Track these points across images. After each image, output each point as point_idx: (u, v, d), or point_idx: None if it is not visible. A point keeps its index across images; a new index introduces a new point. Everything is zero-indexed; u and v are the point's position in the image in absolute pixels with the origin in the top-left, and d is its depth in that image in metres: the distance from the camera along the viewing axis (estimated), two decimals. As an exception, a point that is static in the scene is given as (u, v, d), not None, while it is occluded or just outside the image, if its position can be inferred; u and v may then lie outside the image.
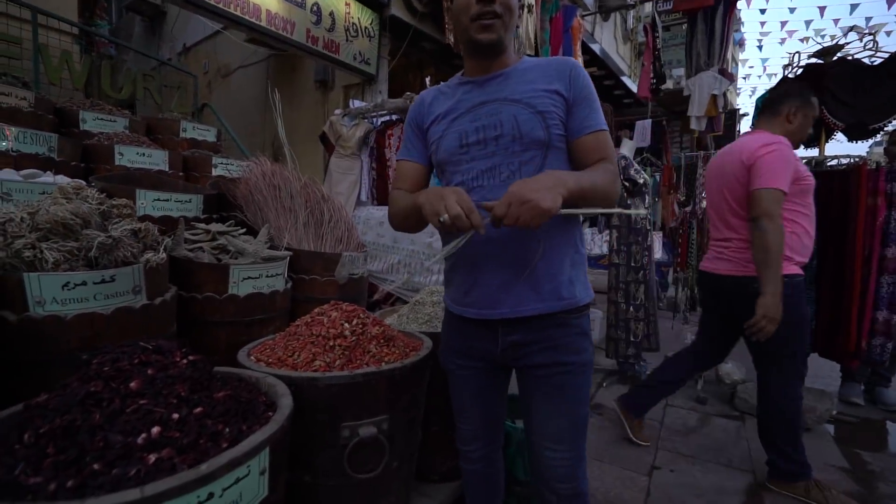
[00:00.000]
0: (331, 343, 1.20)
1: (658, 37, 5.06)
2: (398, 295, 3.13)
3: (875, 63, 2.45)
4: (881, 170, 2.33)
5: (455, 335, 1.11)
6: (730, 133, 5.91)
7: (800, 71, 2.64)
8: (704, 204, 3.08)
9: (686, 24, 4.96)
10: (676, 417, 2.65)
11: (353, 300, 1.72)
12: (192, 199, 1.67)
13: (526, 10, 4.32)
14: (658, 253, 4.68)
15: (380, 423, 1.16)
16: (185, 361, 0.84)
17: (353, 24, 4.41)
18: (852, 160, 2.50)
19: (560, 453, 1.01)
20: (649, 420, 2.55)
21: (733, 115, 6.33)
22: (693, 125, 4.81)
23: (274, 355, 1.22)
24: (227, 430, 0.79)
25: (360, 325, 1.27)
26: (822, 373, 3.29)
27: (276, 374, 1.08)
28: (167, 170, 2.04)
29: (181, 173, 2.17)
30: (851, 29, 2.41)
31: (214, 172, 2.26)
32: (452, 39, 4.53)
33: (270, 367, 1.16)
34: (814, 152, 2.78)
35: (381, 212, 3.45)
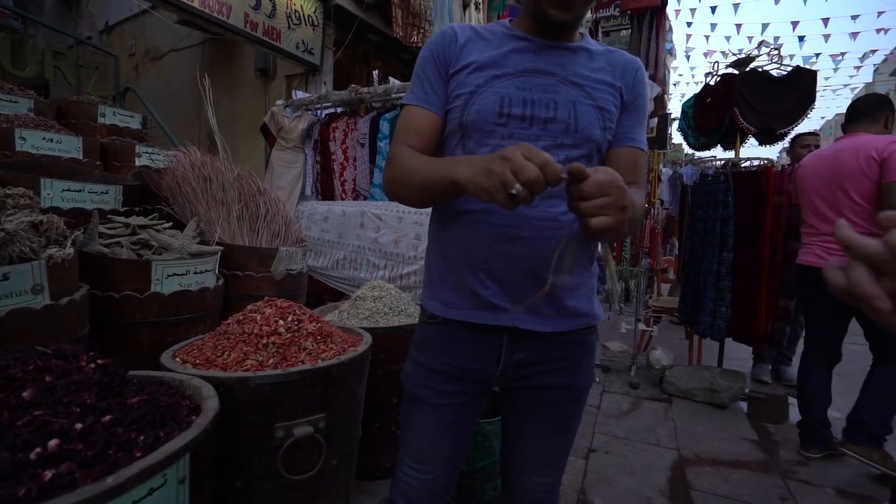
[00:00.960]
0: (264, 341, 1.16)
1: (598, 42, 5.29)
2: (344, 291, 3.07)
3: (780, 75, 2.72)
4: (784, 171, 2.59)
5: (436, 351, 0.88)
6: (662, 136, 6.30)
7: (718, 79, 2.88)
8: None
9: (629, 30, 5.21)
10: (612, 402, 2.80)
11: (291, 296, 1.66)
12: (109, 191, 1.54)
13: (473, 5, 4.36)
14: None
15: (316, 421, 1.13)
16: (91, 366, 0.77)
17: (296, 11, 4.25)
18: (763, 162, 2.76)
19: (546, 479, 0.93)
20: (588, 406, 2.68)
21: (665, 119, 6.74)
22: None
23: (202, 356, 1.16)
24: (142, 437, 0.74)
25: (296, 322, 1.23)
26: (737, 356, 3.61)
27: (203, 376, 1.02)
28: (81, 158, 1.86)
29: (98, 162, 1.99)
30: (761, 43, 2.65)
31: (138, 162, 2.10)
32: (400, 33, 4.48)
33: (197, 369, 1.09)
34: (730, 154, 3.03)
35: (326, 206, 3.37)
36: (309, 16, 4.39)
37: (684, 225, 3.21)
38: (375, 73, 4.93)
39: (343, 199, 3.60)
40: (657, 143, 5.79)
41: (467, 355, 0.86)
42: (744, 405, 2.83)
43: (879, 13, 8.32)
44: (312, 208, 3.39)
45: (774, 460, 2.21)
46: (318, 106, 3.96)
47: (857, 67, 12.40)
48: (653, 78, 5.24)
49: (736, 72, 2.78)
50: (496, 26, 0.88)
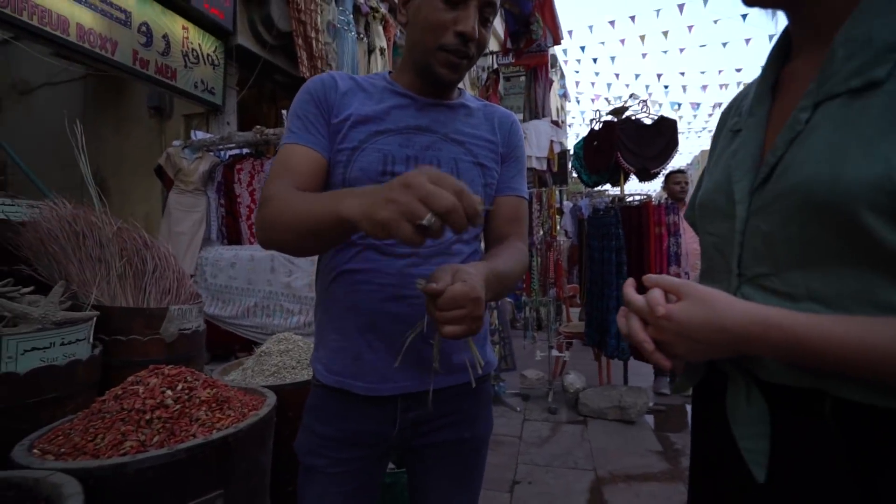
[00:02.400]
0: (147, 417, 1.03)
1: (499, 85, 5.73)
2: (256, 340, 2.88)
3: (650, 122, 3.15)
4: (661, 205, 2.97)
5: (327, 416, 0.84)
6: (562, 171, 6.88)
7: (601, 125, 3.26)
8: (540, 234, 3.51)
9: (524, 77, 5.72)
10: (533, 430, 2.88)
11: (186, 359, 1.52)
12: (-51, 254, 1.31)
13: (378, 52, 4.50)
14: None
15: (212, 500, 1.02)
16: None
17: (193, 50, 4.07)
18: (643, 197, 3.13)
19: None
20: (509, 437, 2.73)
21: (565, 156, 7.39)
22: (534, 164, 5.52)
23: (69, 443, 1.00)
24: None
25: (187, 391, 1.12)
26: (641, 371, 3.93)
27: (66, 469, 0.88)
28: (-89, 214, 1.57)
29: (-63, 218, 1.69)
30: (631, 95, 3.08)
31: (-8, 216, 1.81)
32: (307, 74, 4.47)
33: (61, 461, 0.94)
34: (617, 190, 3.40)
35: (232, 252, 3.17)
36: (208, 55, 4.23)
37: (583, 254, 3.50)
38: (284, 112, 4.84)
39: (252, 244, 3.42)
40: (559, 178, 6.32)
41: (361, 420, 0.82)
42: (649, 418, 3.07)
43: (720, 71, 10.10)
44: (218, 254, 3.18)
45: (677, 468, 2.40)
46: (221, 147, 3.78)
47: (710, 114, 14.93)
48: (554, 123, 5.79)
49: (615, 119, 3.17)
50: (376, 79, 0.86)
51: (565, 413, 3.14)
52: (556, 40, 5.17)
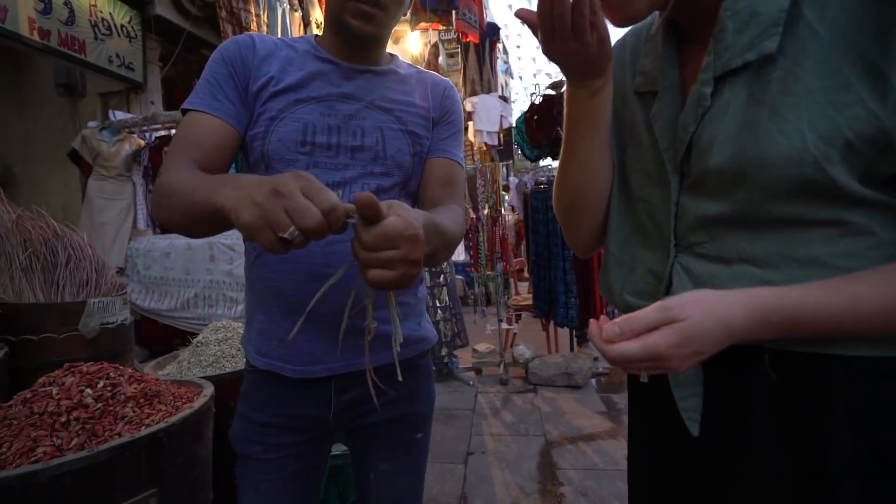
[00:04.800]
0: (63, 419, 0.95)
1: (439, 59, 5.65)
2: (198, 332, 2.74)
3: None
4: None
5: (261, 402, 0.80)
6: (508, 147, 6.96)
7: (541, 98, 3.30)
8: (486, 211, 3.54)
9: (461, 49, 5.67)
10: (485, 402, 2.97)
11: (112, 356, 1.41)
12: None
13: (314, 24, 4.28)
14: (461, 255, 5.20)
15: (145, 500, 0.96)
16: None
17: (104, 20, 3.68)
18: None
19: None
20: (463, 410, 2.79)
21: (510, 132, 7.47)
22: (484, 139, 5.53)
23: (-30, 454, 0.90)
24: None
25: (110, 388, 1.04)
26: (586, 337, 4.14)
27: (-33, 482, 0.80)
28: None
29: None
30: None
31: None
32: None
33: (-39, 474, 0.85)
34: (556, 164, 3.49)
35: (166, 241, 2.98)
36: (122, 26, 3.84)
37: (528, 228, 3.58)
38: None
39: (186, 231, 3.21)
40: (505, 154, 6.38)
41: (294, 403, 0.79)
42: (594, 381, 3.24)
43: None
44: (150, 244, 2.97)
45: (620, 426, 2.56)
46: (146, 128, 3.49)
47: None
48: (502, 98, 5.80)
49: (554, 93, 3.22)
50: (300, 42, 0.81)
51: (516, 383, 3.26)
52: (480, 25, 5.12)
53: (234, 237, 2.67)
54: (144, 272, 2.96)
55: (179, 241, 2.88)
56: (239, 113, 0.74)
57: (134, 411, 1.03)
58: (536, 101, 3.34)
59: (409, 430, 0.87)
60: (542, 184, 3.21)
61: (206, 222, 0.61)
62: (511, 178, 4.77)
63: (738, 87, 0.48)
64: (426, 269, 0.95)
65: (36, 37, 3.18)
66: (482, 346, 3.60)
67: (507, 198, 4.38)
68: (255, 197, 0.46)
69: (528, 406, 2.87)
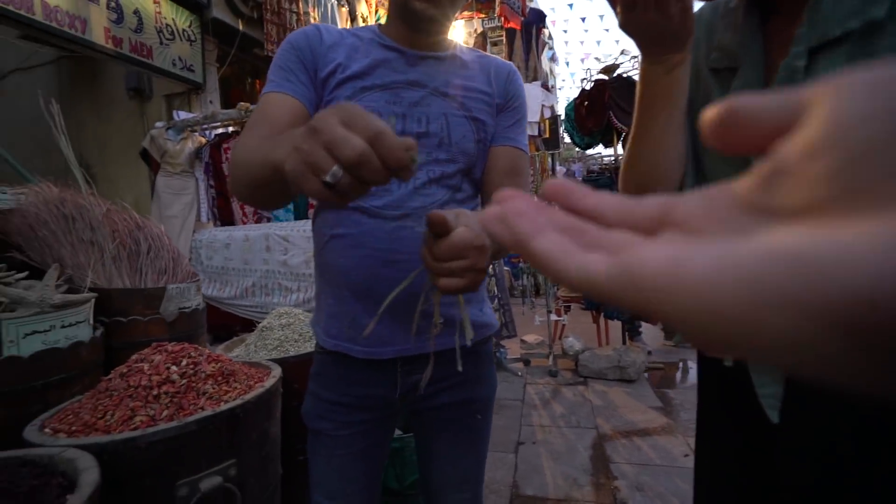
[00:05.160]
0: (154, 392, 1.04)
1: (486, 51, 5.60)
2: (255, 320, 2.89)
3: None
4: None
5: (331, 382, 0.84)
6: (554, 136, 6.80)
7: (592, 84, 3.19)
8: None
9: (505, 38, 5.57)
10: (535, 393, 2.95)
11: (187, 337, 1.52)
12: (-64, 242, 1.28)
13: (360, 19, 4.35)
14: (507, 247, 5.15)
15: (225, 470, 1.04)
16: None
17: (167, 25, 3.92)
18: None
19: (465, 493, 0.91)
20: (512, 400, 2.79)
21: (556, 121, 7.29)
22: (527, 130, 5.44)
23: (79, 421, 1.01)
24: (-3, 534, 0.63)
25: (192, 366, 1.13)
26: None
27: (79, 445, 0.89)
28: None
29: (-79, 209, 1.65)
30: (622, 52, 3.00)
31: (-23, 204, 1.77)
32: (274, 50, 4.31)
33: (73, 437, 0.95)
34: (610, 151, 3.37)
35: (226, 233, 3.15)
36: (184, 30, 4.07)
37: (579, 219, 3.48)
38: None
39: (244, 223, 3.38)
40: (551, 143, 6.25)
41: (364, 383, 0.82)
42: (648, 377, 3.14)
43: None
44: (212, 236, 3.15)
45: (677, 422, 2.47)
46: (206, 126, 3.69)
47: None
48: (544, 87, 5.67)
49: (606, 77, 3.10)
50: (364, 31, 0.81)
51: (565, 375, 3.21)
52: (523, 11, 4.98)
53: (288, 229, 2.78)
54: (207, 262, 3.14)
55: (238, 232, 3.03)
56: (310, 94, 0.76)
57: (213, 388, 1.11)
58: (587, 87, 3.24)
59: (473, 413, 0.89)
60: (593, 172, 3.12)
61: (270, 187, 0.59)
62: (559, 168, 4.67)
63: (837, 60, 0.44)
64: None
65: (110, 45, 3.44)
66: (530, 338, 3.58)
67: (554, 188, 4.30)
68: (295, 141, 0.41)
69: (578, 398, 2.83)
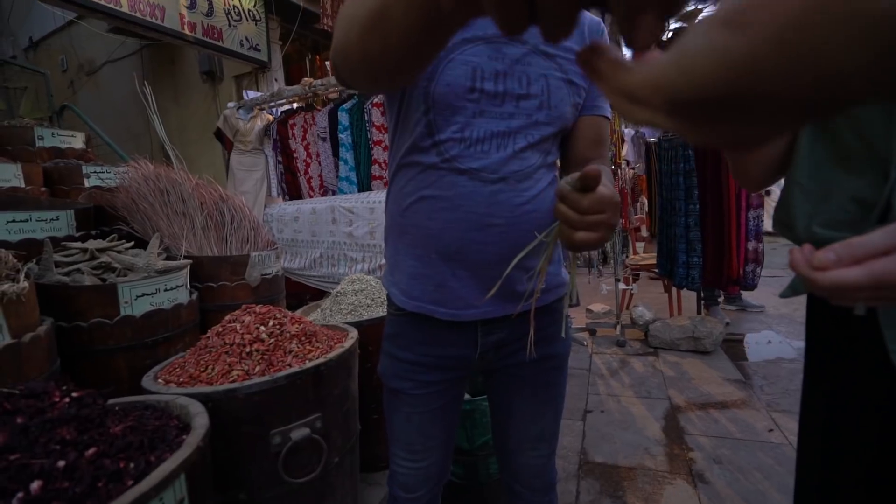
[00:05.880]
0: (247, 350, 1.13)
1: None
2: (324, 289, 3.04)
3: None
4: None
5: (411, 342, 0.85)
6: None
7: (671, 34, 2.90)
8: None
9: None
10: (602, 363, 2.88)
11: (269, 301, 1.63)
12: (59, 217, 1.45)
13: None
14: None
15: (312, 422, 1.12)
16: (66, 400, 0.74)
17: (234, 6, 4.06)
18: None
19: (542, 451, 0.93)
20: (578, 369, 2.75)
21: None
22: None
23: (185, 374, 1.12)
24: (132, 465, 0.71)
25: (278, 326, 1.21)
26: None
27: (189, 394, 0.99)
28: (23, 185, 1.75)
29: (44, 188, 1.88)
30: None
31: (87, 183, 1.99)
32: (331, 24, 4.32)
33: (182, 387, 1.06)
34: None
35: (294, 207, 3.30)
36: (249, 10, 4.20)
37: (652, 182, 3.27)
38: (328, 63, 4.80)
39: (311, 197, 3.53)
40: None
41: (443, 344, 0.83)
42: (725, 348, 2.95)
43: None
44: (281, 210, 3.32)
45: (758, 396, 2.32)
46: (273, 104, 3.83)
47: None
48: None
49: (686, 25, 2.81)
50: None
51: (634, 346, 3.10)
52: None
53: (352, 201, 2.85)
54: (278, 235, 3.32)
55: (305, 206, 3.17)
56: None
57: (298, 347, 1.18)
58: (664, 38, 2.95)
59: (550, 370, 0.88)
60: (668, 132, 2.89)
61: (410, 28, 0.38)
62: (626, 130, 4.37)
63: None
64: None
65: (186, 30, 3.64)
66: (597, 307, 3.47)
67: (623, 152, 4.03)
68: None
69: (648, 369, 2.72)
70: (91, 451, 0.69)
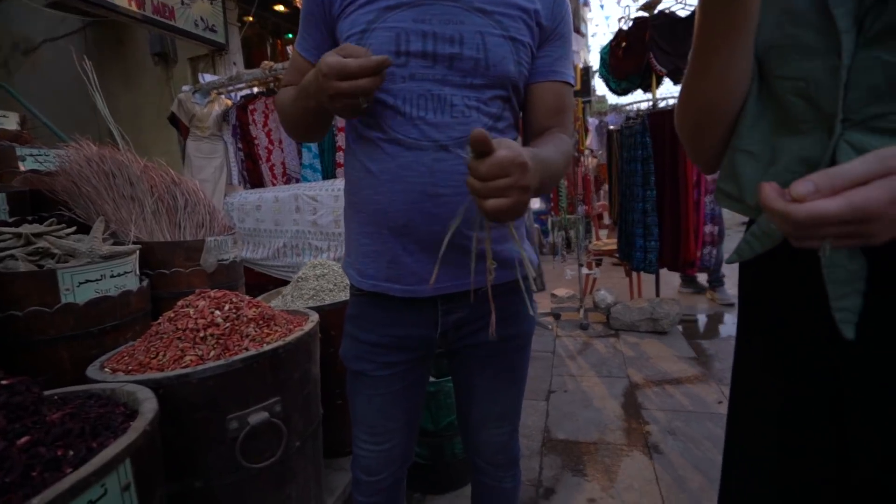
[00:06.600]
0: (201, 335, 1.09)
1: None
2: (289, 280, 2.98)
3: (686, 15, 2.85)
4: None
5: (371, 323, 0.83)
6: (586, 87, 6.47)
7: (631, 24, 2.97)
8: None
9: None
10: (565, 345, 2.96)
11: (228, 288, 1.57)
12: (-10, 200, 1.35)
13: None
14: (536, 203, 5.06)
15: (271, 406, 1.09)
16: (-5, 387, 0.69)
17: (187, -17, 3.86)
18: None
19: (503, 428, 0.93)
20: (542, 352, 2.81)
21: (587, 72, 6.92)
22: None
23: (134, 361, 1.07)
24: (71, 453, 0.68)
25: (234, 310, 1.17)
26: (673, 284, 3.92)
27: (137, 380, 0.95)
28: (-51, 169, 1.62)
29: (-27, 172, 1.74)
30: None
31: (23, 167, 1.85)
32: (288, 8, 4.18)
33: (130, 375, 1.02)
34: (649, 96, 3.18)
35: (256, 195, 3.19)
36: (203, -12, 4.00)
37: (613, 169, 3.36)
38: (290, 47, 4.64)
39: (274, 185, 3.43)
40: (581, 93, 5.96)
41: (403, 324, 0.81)
42: (681, 327, 3.09)
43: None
44: (242, 199, 3.21)
45: (711, 371, 2.44)
46: (231, 88, 3.68)
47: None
48: (577, 32, 5.34)
49: (647, 14, 2.88)
50: None
51: (597, 328, 3.20)
52: None
53: (316, 189, 2.80)
54: (239, 224, 3.21)
55: (268, 194, 3.07)
56: (319, 47, 0.79)
57: (255, 331, 1.15)
58: (625, 27, 3.01)
59: (513, 349, 0.88)
60: (630, 118, 2.96)
61: (304, 114, 0.76)
62: (590, 120, 4.45)
63: None
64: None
65: (134, 7, 3.43)
66: (561, 291, 3.55)
67: (587, 141, 4.11)
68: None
69: (609, 350, 2.82)
70: (24, 439, 0.66)
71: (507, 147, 0.52)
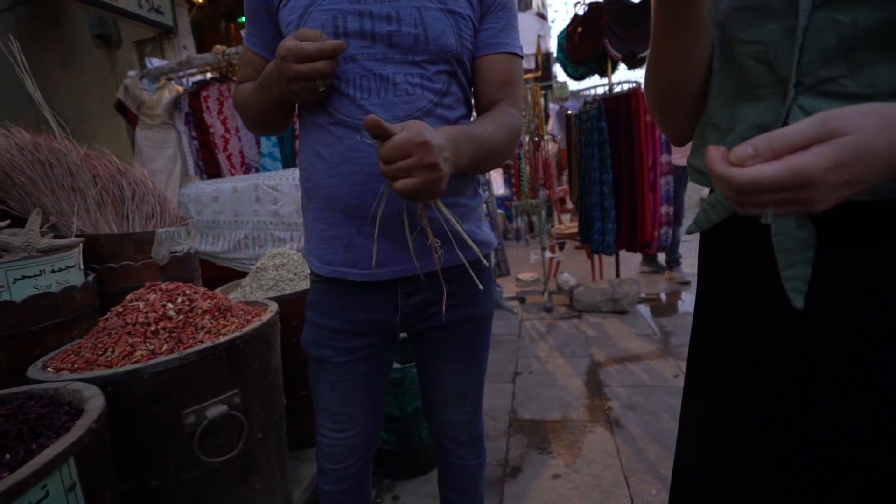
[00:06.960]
0: (152, 328, 1.05)
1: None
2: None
3: (637, 1, 2.91)
4: (652, 92, 2.84)
5: (330, 309, 0.83)
6: (547, 74, 6.53)
7: (585, 9, 3.01)
8: (527, 139, 3.40)
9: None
10: (530, 328, 3.02)
11: (182, 281, 1.52)
12: None
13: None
14: (500, 189, 5.11)
15: (230, 398, 1.07)
16: (-82, 388, 0.65)
17: (128, -40, 3.61)
18: (632, 85, 2.99)
19: (466, 407, 0.95)
20: (508, 336, 2.87)
21: (548, 58, 6.98)
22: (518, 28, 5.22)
23: (80, 359, 1.02)
24: (7, 455, 0.65)
25: (188, 302, 1.13)
26: (632, 265, 4.06)
27: (83, 378, 0.90)
28: None
29: None
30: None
31: (-52, 157, 1.70)
32: None
33: (76, 374, 0.97)
34: (605, 81, 3.24)
35: (213, 186, 3.08)
36: (146, -34, 3.77)
37: (572, 153, 3.42)
38: (244, 32, 4.45)
39: (232, 175, 3.30)
40: (542, 80, 6.02)
41: (363, 308, 0.81)
42: (641, 307, 3.22)
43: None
44: (199, 190, 3.08)
45: (667, 347, 2.56)
46: (182, 74, 3.51)
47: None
48: (539, 15, 5.37)
49: (601, 0, 2.93)
50: None
51: (560, 310, 3.28)
52: None
53: (276, 178, 2.72)
54: (197, 217, 3.09)
55: (225, 184, 2.97)
56: (270, 37, 0.79)
57: (211, 323, 1.12)
58: (580, 12, 3.05)
59: (474, 330, 0.90)
60: (589, 103, 3.02)
61: (266, 103, 0.77)
62: (551, 106, 4.51)
63: None
64: (481, 175, 0.94)
65: (68, -17, 3.18)
66: (526, 276, 3.62)
67: (547, 127, 4.17)
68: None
69: (573, 331, 2.91)
70: (-46, 442, 0.62)
71: (408, 129, 0.54)
